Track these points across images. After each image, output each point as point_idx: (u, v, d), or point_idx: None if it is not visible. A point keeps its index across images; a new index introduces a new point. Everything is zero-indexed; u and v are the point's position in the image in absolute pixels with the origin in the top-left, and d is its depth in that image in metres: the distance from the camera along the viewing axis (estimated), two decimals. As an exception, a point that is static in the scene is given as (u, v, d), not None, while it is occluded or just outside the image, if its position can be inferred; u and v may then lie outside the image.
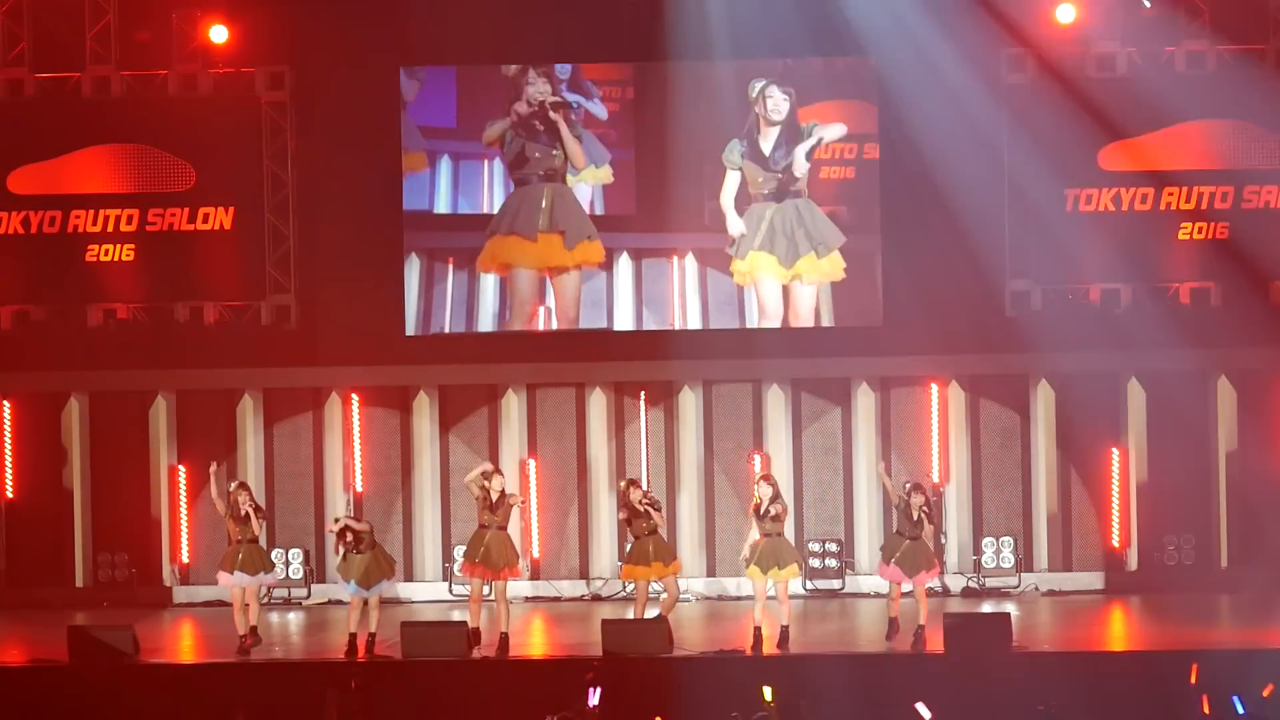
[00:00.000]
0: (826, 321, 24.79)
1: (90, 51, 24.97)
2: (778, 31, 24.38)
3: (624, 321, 24.90)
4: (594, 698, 16.72)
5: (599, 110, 24.95)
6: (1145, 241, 24.59)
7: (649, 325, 24.86)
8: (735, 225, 24.73)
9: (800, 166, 24.67)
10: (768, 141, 24.77)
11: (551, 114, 24.88)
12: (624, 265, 24.94)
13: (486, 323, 24.96)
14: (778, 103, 24.75)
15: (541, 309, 24.93)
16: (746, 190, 24.80)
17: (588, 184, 24.94)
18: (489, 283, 24.99)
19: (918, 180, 24.37)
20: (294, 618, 23.95)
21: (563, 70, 24.89)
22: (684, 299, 24.91)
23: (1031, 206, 24.59)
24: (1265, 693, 16.85)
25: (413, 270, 24.95)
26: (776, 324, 24.79)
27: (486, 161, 25.01)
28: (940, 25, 24.12)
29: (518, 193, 24.95)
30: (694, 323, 24.85)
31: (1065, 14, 24.41)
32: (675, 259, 24.89)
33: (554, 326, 24.95)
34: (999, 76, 24.54)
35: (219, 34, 24.76)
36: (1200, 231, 24.56)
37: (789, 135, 24.73)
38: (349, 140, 24.93)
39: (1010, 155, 24.56)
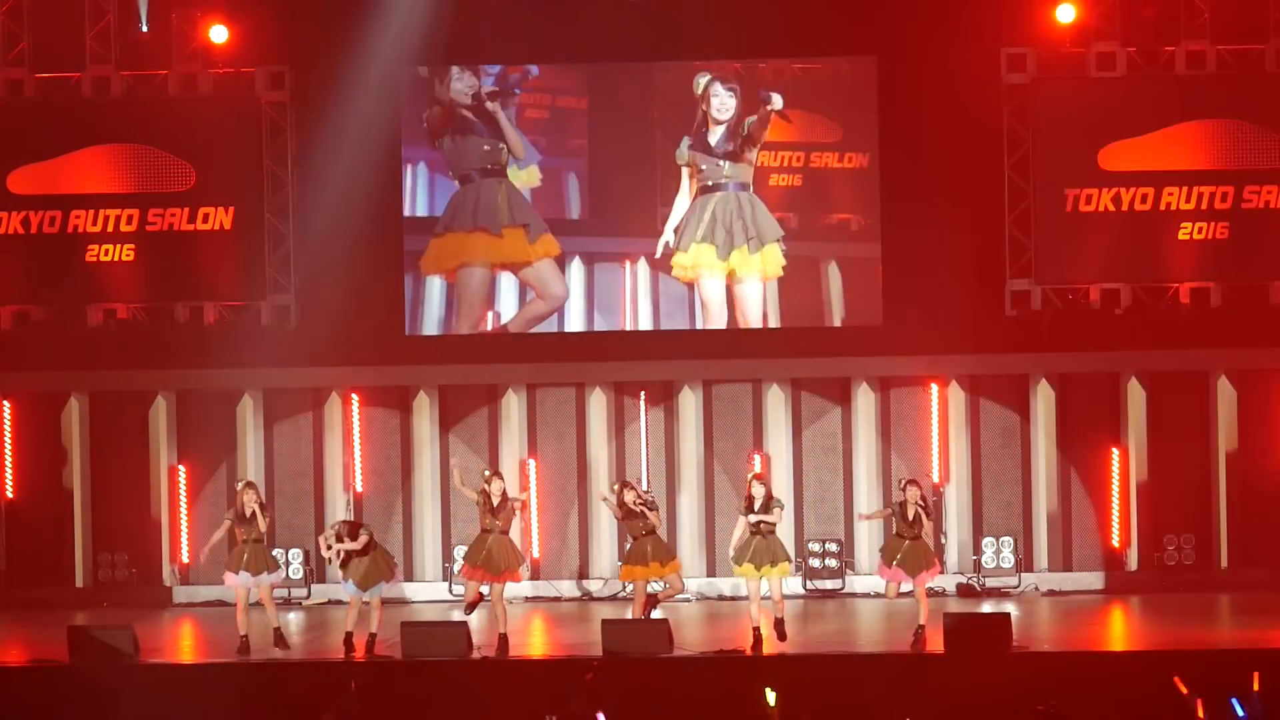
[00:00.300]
0: (774, 323, 24.76)
1: (90, 51, 24.96)
2: (773, 31, 24.36)
3: (574, 325, 24.84)
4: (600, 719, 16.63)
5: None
6: (1145, 241, 24.59)
7: (599, 328, 24.83)
8: (665, 235, 24.63)
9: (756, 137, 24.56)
10: (714, 136, 24.71)
11: (489, 104, 24.73)
12: (575, 269, 24.83)
13: (431, 328, 24.91)
14: (723, 101, 24.66)
15: (490, 313, 24.85)
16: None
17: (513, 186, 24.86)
18: (434, 286, 24.92)
19: (918, 180, 24.38)
20: (294, 618, 23.92)
21: (491, 68, 24.77)
22: (635, 302, 24.80)
23: (1031, 206, 24.60)
24: (1254, 685, 16.81)
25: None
26: (722, 324, 24.75)
27: (410, 166, 24.84)
28: (940, 25, 24.12)
29: (468, 189, 24.79)
30: (645, 326, 24.81)
31: (1065, 14, 24.39)
32: (628, 264, 24.81)
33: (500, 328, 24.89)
34: (999, 76, 24.53)
35: (219, 34, 24.75)
36: (1200, 231, 24.54)
37: (734, 132, 24.67)
38: (349, 140, 24.91)
39: (1010, 155, 24.57)
